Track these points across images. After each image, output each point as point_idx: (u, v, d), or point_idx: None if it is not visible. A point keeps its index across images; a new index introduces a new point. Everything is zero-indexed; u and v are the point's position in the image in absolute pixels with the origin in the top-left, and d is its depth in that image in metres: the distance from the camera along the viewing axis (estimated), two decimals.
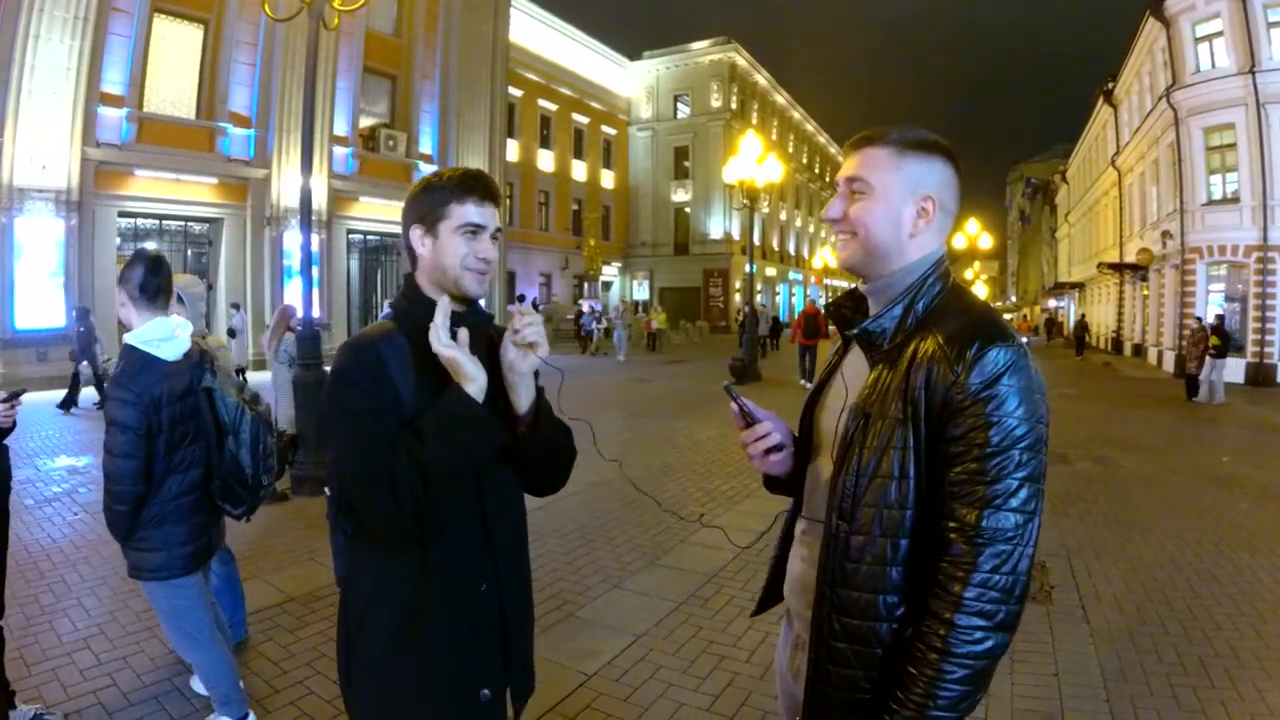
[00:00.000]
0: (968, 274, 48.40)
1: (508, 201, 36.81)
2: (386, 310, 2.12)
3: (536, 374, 1.99)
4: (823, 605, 1.63)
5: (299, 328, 8.39)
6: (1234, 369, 22.70)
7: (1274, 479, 9.55)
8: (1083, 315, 43.51)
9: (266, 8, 10.19)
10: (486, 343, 1.97)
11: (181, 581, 3.49)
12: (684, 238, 54.02)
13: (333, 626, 2.35)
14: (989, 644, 1.44)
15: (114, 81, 19.78)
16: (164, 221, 22.40)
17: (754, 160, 20.30)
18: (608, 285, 52.06)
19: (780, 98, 62.33)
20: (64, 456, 10.23)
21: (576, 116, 48.35)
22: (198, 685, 3.95)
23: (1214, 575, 6.07)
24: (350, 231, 26.93)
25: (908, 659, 1.49)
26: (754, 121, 54.07)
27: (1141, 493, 8.85)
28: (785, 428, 1.94)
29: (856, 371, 1.75)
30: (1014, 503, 1.45)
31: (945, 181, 1.70)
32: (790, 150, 62.82)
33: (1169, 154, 26.72)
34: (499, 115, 33.38)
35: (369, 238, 27.83)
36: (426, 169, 27.68)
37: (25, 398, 3.58)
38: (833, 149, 76.40)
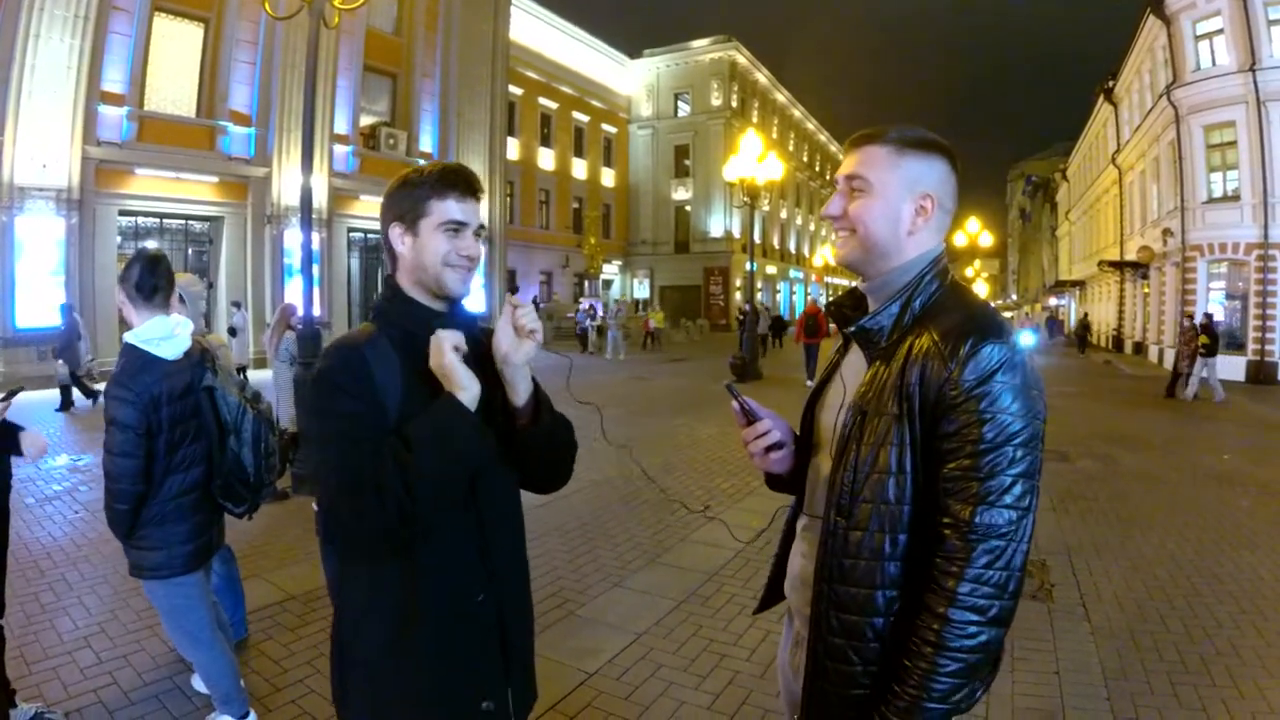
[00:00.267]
0: (968, 272, 48.40)
1: (508, 200, 36.73)
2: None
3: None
4: (821, 601, 1.64)
5: (300, 326, 8.39)
6: (1235, 367, 22.74)
7: (1275, 477, 9.54)
8: (1085, 314, 43.49)
9: (267, 6, 10.17)
10: (473, 344, 1.87)
11: (182, 580, 3.50)
12: (684, 236, 53.98)
13: None
14: (982, 638, 1.44)
15: (114, 80, 19.77)
16: (164, 220, 22.40)
17: (754, 158, 20.28)
18: (608, 284, 52.03)
19: (780, 96, 62.28)
20: (65, 455, 10.24)
21: (577, 115, 48.32)
22: (199, 684, 3.95)
23: (1215, 573, 6.07)
24: (351, 230, 26.92)
25: (903, 652, 1.50)
26: (754, 120, 54.00)
27: (1142, 490, 8.85)
28: (786, 426, 1.94)
29: (855, 369, 1.75)
30: (1008, 499, 1.46)
31: (944, 180, 1.71)
32: (790, 148, 62.78)
33: (1169, 152, 26.71)
34: (499, 114, 33.38)
35: (369, 236, 27.73)
36: None
37: (25, 396, 3.58)
38: (833, 147, 76.36)
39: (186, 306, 4.29)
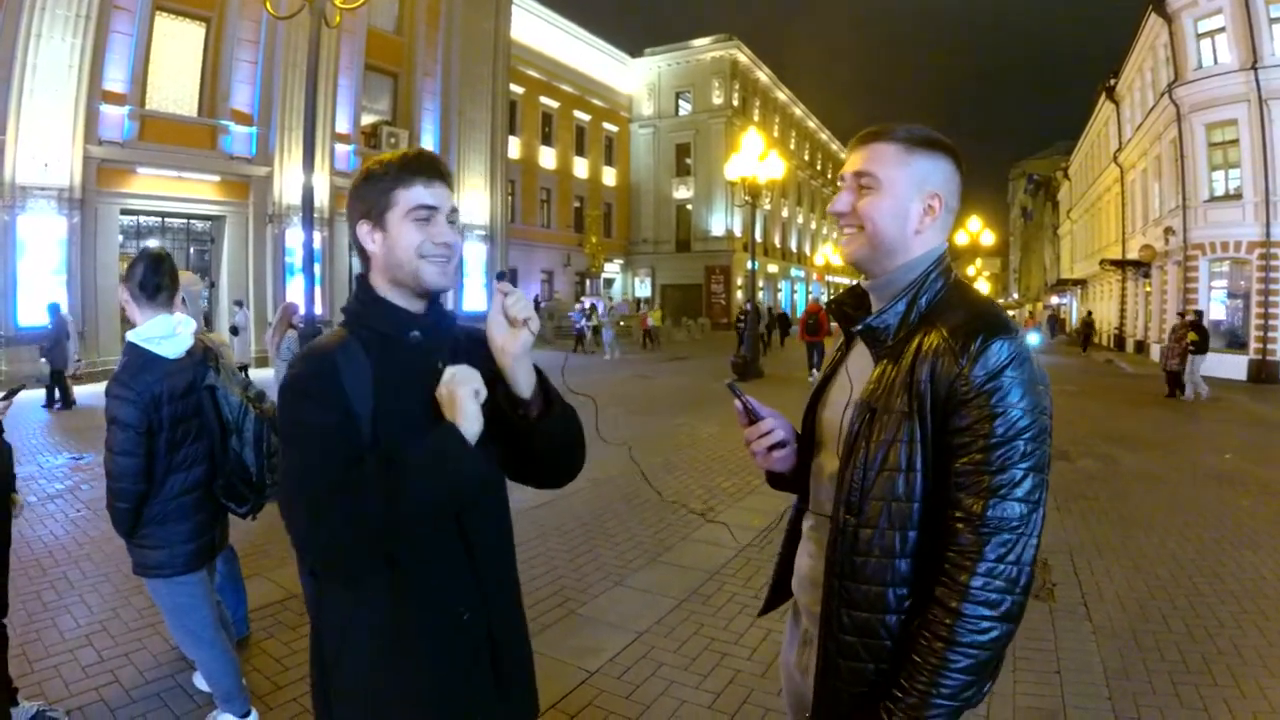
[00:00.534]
0: (969, 270, 48.36)
1: (510, 199, 36.73)
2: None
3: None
4: (831, 599, 1.64)
5: (301, 325, 8.40)
6: (1237, 366, 22.73)
7: (1276, 476, 9.53)
8: (1089, 312, 43.49)
9: (268, 5, 10.18)
10: (454, 344, 1.81)
11: (184, 579, 3.50)
12: (686, 235, 53.95)
13: None
14: (994, 633, 1.45)
15: (116, 79, 19.80)
16: (166, 219, 22.47)
17: (755, 157, 20.27)
18: (610, 282, 52.03)
19: (782, 94, 62.23)
20: (66, 453, 10.25)
21: (578, 114, 48.30)
22: (200, 682, 3.96)
23: (1216, 572, 6.07)
24: None
25: (913, 648, 1.50)
26: (755, 118, 53.97)
27: (1143, 490, 8.84)
28: (788, 424, 1.94)
29: (860, 367, 1.75)
30: (1019, 493, 1.47)
31: (950, 180, 1.72)
32: (792, 147, 62.71)
33: (1171, 150, 26.70)
34: (500, 113, 33.40)
35: None
36: None
37: (28, 395, 3.59)
38: (834, 145, 76.35)
39: (186, 305, 4.30)
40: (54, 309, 15.07)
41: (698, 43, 53.83)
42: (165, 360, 3.38)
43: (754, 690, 4.15)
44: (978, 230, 33.40)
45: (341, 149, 25.69)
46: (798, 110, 66.35)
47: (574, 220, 47.61)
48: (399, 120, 28.95)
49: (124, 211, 20.83)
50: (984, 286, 53.06)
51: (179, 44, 21.74)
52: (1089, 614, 5.26)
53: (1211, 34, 24.22)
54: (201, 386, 3.51)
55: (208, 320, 21.95)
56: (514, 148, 39.60)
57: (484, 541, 1.81)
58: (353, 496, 1.52)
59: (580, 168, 48.85)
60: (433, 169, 1.76)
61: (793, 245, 65.17)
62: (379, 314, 1.77)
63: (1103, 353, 35.71)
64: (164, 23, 21.18)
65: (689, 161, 53.78)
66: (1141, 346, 32.58)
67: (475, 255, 31.71)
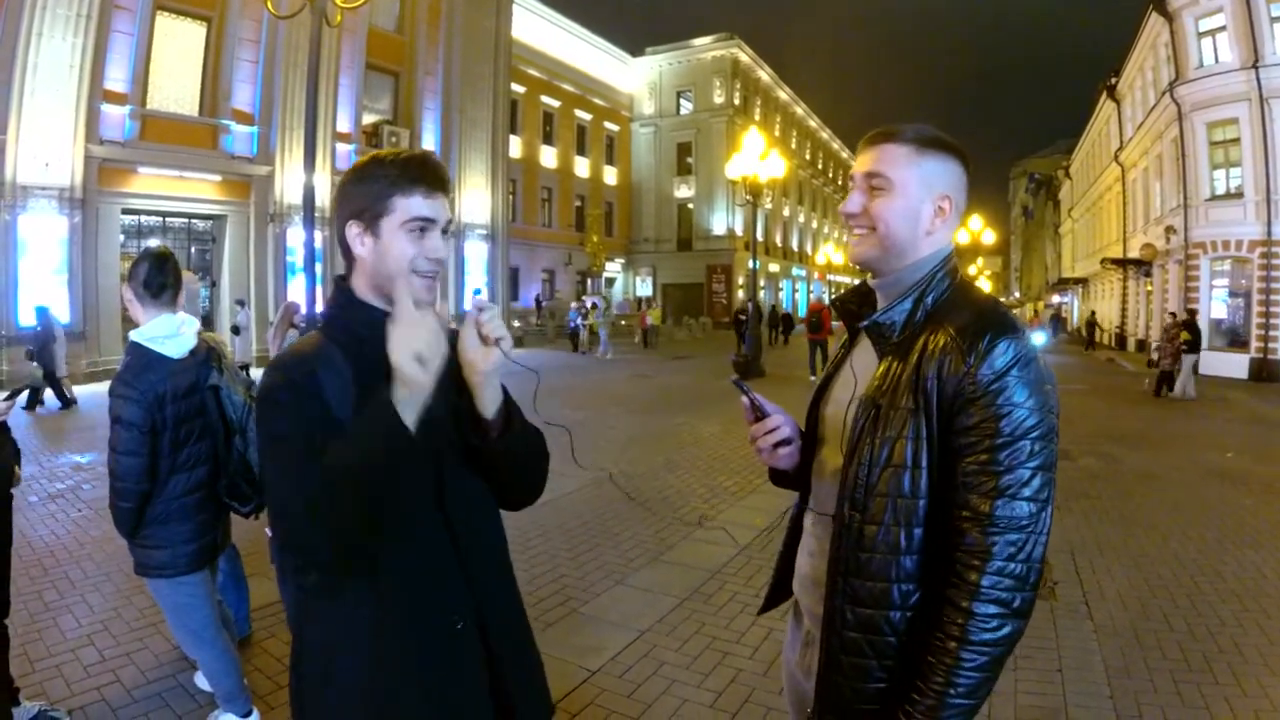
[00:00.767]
0: (971, 270, 48.36)
1: (511, 198, 36.72)
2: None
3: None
4: (835, 596, 1.64)
5: (303, 324, 8.38)
6: (1238, 364, 22.73)
7: (1278, 474, 9.53)
8: (1093, 311, 43.51)
9: (269, 4, 10.17)
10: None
11: (186, 579, 3.49)
12: (687, 234, 53.95)
13: None
14: (1006, 630, 1.45)
15: (117, 79, 19.81)
16: (167, 219, 22.48)
17: (757, 156, 20.30)
18: (611, 281, 52.05)
19: (783, 94, 62.19)
20: (68, 453, 10.26)
21: (579, 113, 48.29)
22: (202, 681, 3.96)
23: (1218, 571, 6.07)
24: None
25: (926, 649, 1.50)
26: (757, 118, 53.95)
27: (1145, 488, 8.84)
28: (793, 421, 1.94)
29: (865, 363, 1.76)
30: (1027, 491, 1.47)
31: (959, 181, 1.72)
32: (793, 146, 62.67)
33: (1172, 149, 26.69)
34: (501, 112, 33.35)
35: None
36: None
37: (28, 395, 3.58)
38: (835, 145, 76.35)
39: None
40: (42, 311, 15.04)
41: (699, 42, 53.81)
42: (169, 360, 3.38)
43: (755, 689, 4.15)
44: (979, 229, 33.41)
45: (343, 148, 25.67)
46: (799, 109, 66.31)
47: (575, 219, 47.60)
48: (400, 119, 28.95)
49: (125, 211, 20.84)
50: (985, 285, 53.00)
51: (180, 43, 21.74)
52: (1090, 612, 5.26)
53: (1212, 33, 24.20)
54: (205, 386, 3.50)
55: (208, 320, 22.00)
56: (515, 147, 39.60)
57: (474, 542, 1.73)
58: (326, 498, 1.44)
59: (581, 167, 48.84)
60: (436, 178, 1.68)
61: (794, 244, 65.13)
62: (360, 318, 1.68)
63: (1104, 351, 35.70)
64: (165, 22, 21.18)
65: (690, 161, 53.76)
66: (1143, 345, 32.52)
67: (476, 254, 31.70)
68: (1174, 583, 5.83)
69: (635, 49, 54.73)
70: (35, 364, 14.48)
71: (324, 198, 23.70)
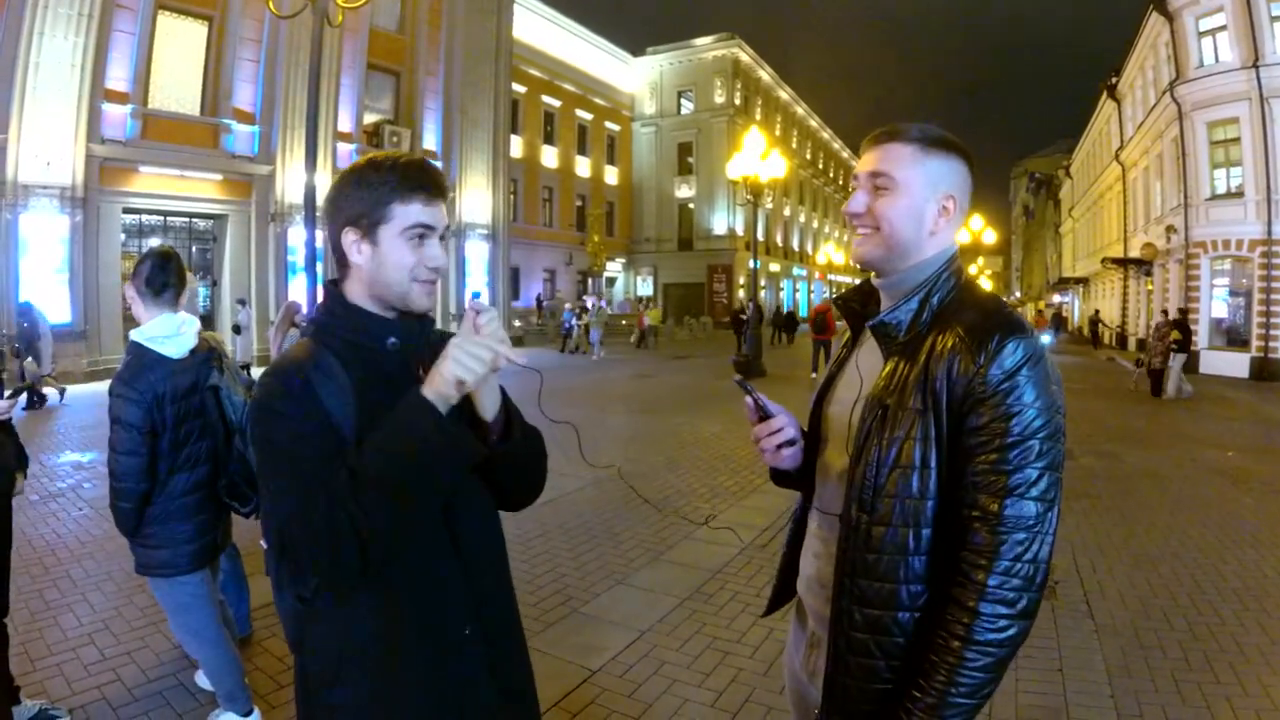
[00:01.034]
0: (972, 269, 48.35)
1: (512, 198, 36.72)
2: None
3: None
4: (842, 597, 1.63)
5: (304, 324, 8.40)
6: (1239, 364, 22.74)
7: (1278, 473, 9.53)
8: (1097, 311, 43.54)
9: (271, 4, 10.19)
10: (430, 352, 1.61)
11: (187, 578, 3.50)
12: (688, 234, 54.00)
13: None
14: (1011, 631, 1.45)
15: (119, 78, 19.83)
16: (168, 218, 22.51)
17: (757, 156, 20.27)
18: (612, 281, 52.14)
19: (784, 93, 62.21)
20: (69, 452, 10.27)
21: (580, 113, 48.33)
22: (203, 680, 3.96)
23: (1218, 570, 6.06)
24: None
25: (930, 648, 1.50)
26: (757, 117, 53.98)
27: (1145, 487, 8.84)
28: (795, 421, 1.93)
29: (870, 364, 1.75)
30: (1034, 491, 1.47)
31: (963, 181, 1.72)
32: (794, 146, 62.69)
33: (1173, 148, 26.68)
34: (502, 111, 33.34)
35: None
36: None
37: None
38: (836, 144, 76.37)
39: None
40: (26, 307, 14.95)
41: (700, 42, 53.84)
42: (169, 360, 3.38)
43: (756, 689, 4.15)
44: (980, 228, 33.43)
45: (344, 148, 25.69)
46: (800, 109, 66.33)
47: (576, 219, 47.65)
48: (401, 119, 28.96)
49: (126, 210, 20.86)
50: (986, 285, 52.94)
51: (181, 43, 21.76)
52: (1091, 611, 5.26)
53: (1213, 32, 24.21)
54: (205, 386, 3.51)
55: (209, 319, 22.01)
56: (516, 147, 39.63)
57: (476, 545, 1.73)
58: (332, 506, 1.43)
59: (582, 167, 48.90)
60: (435, 185, 1.65)
61: (794, 244, 65.14)
62: (355, 324, 1.66)
63: (1105, 350, 35.69)
64: (166, 21, 21.19)
65: (691, 160, 53.83)
66: (1143, 345, 32.51)
67: (478, 254, 31.71)
68: (1175, 581, 5.83)
69: (636, 49, 54.82)
70: (30, 359, 14.38)
71: (325, 197, 23.81)
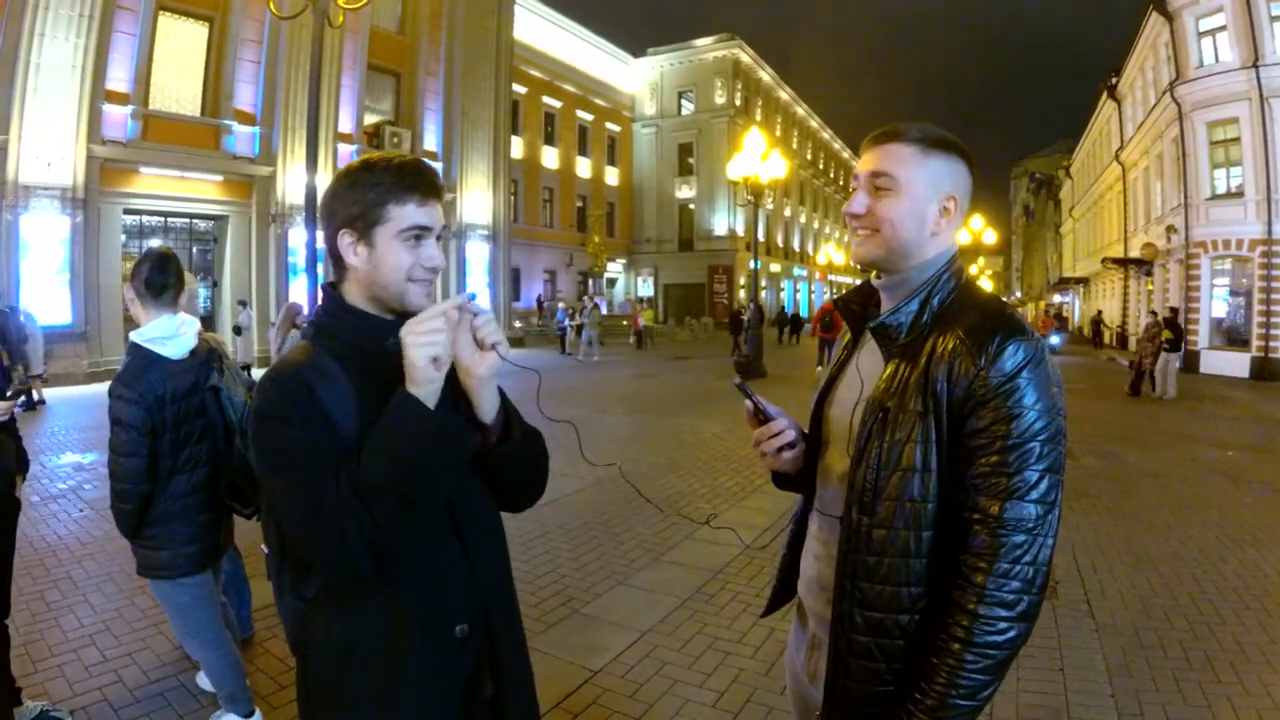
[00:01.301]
0: (972, 269, 48.29)
1: (512, 199, 36.71)
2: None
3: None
4: (843, 600, 1.63)
5: (305, 325, 8.40)
6: (1239, 363, 22.75)
7: (1278, 473, 9.54)
8: (1099, 311, 43.56)
9: (271, 5, 10.21)
10: None
11: (189, 580, 3.49)
12: (688, 234, 54.04)
13: None
14: (1011, 634, 1.44)
15: (119, 79, 19.81)
16: (169, 219, 22.49)
17: (758, 157, 20.28)
18: (612, 282, 52.13)
19: (784, 94, 62.22)
20: (69, 453, 10.28)
21: (580, 113, 48.36)
22: (204, 682, 3.96)
23: (1219, 570, 6.07)
24: None
25: (930, 649, 1.50)
26: (758, 118, 53.96)
27: (1146, 487, 8.85)
28: (796, 424, 1.93)
29: (870, 365, 1.75)
30: (1035, 494, 1.46)
31: (964, 181, 1.71)
32: (794, 147, 62.69)
33: (1173, 149, 26.71)
34: (503, 112, 33.36)
35: None
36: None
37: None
38: (836, 145, 76.34)
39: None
40: (12, 311, 14.84)
41: (700, 42, 53.88)
42: (168, 361, 3.37)
43: (757, 689, 4.15)
44: (980, 228, 33.42)
45: (345, 149, 25.67)
46: (800, 110, 66.33)
47: (577, 220, 47.66)
48: (402, 120, 28.97)
49: (127, 211, 20.85)
50: (986, 285, 53.01)
51: (182, 44, 21.76)
52: (1091, 611, 5.26)
53: (1213, 32, 24.24)
54: (205, 387, 3.49)
55: (209, 320, 22.00)
56: (517, 147, 39.64)
57: (481, 546, 1.73)
58: (338, 506, 1.44)
59: (583, 167, 48.93)
60: (430, 186, 1.65)
61: (795, 244, 65.14)
62: (354, 326, 1.67)
63: (1106, 351, 35.68)
64: (167, 22, 21.18)
65: (691, 161, 53.89)
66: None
67: (478, 255, 31.72)
68: (1175, 581, 5.83)
69: (637, 49, 54.88)
70: (21, 364, 14.25)
71: (321, 200, 23.79)
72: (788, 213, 62.92)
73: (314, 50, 8.88)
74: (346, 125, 26.04)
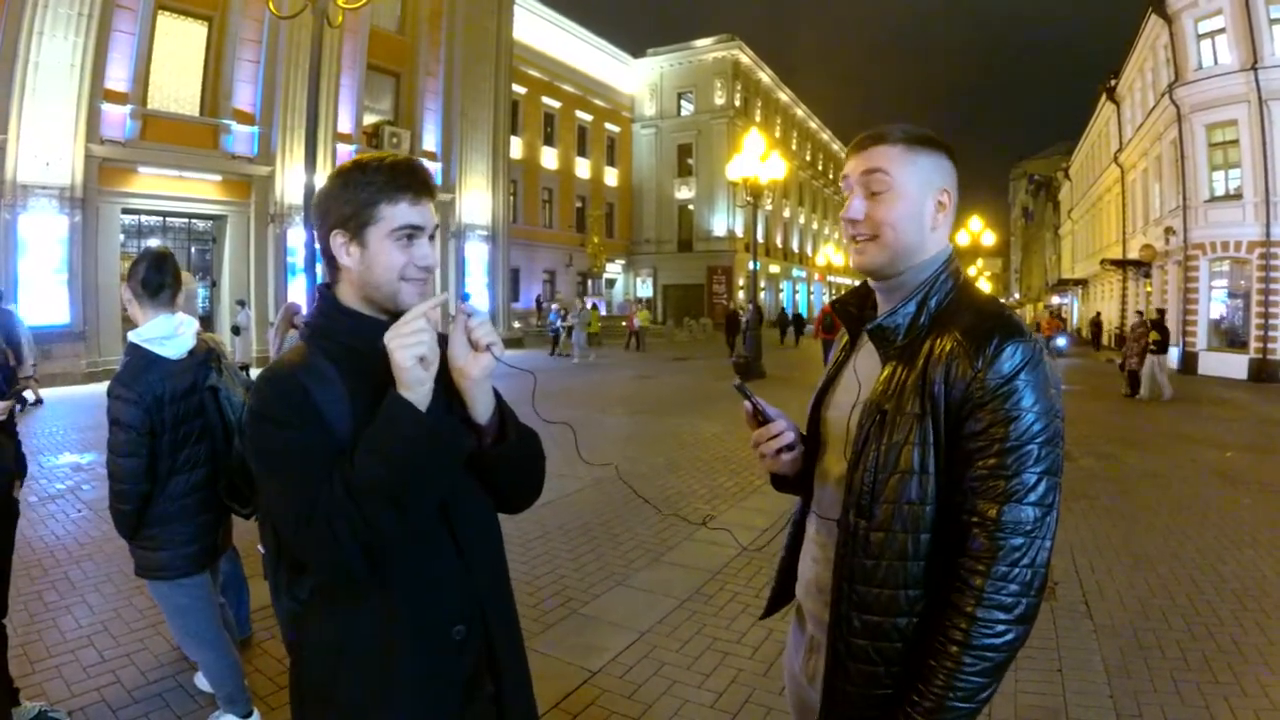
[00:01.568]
0: (971, 271, 48.35)
1: (511, 199, 36.69)
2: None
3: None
4: (841, 603, 1.63)
5: (304, 325, 8.39)
6: (1237, 365, 22.78)
7: (1276, 474, 9.54)
8: (1098, 313, 43.59)
9: (271, 4, 10.20)
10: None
11: (187, 581, 3.49)
12: (687, 235, 54.03)
13: None
14: (1009, 636, 1.44)
15: (118, 78, 19.78)
16: (168, 218, 22.46)
17: (757, 157, 20.30)
18: (611, 282, 52.16)
19: (783, 95, 62.25)
20: (68, 453, 10.26)
21: (580, 114, 48.34)
22: (202, 682, 3.95)
23: (1217, 570, 6.07)
24: None
25: (928, 652, 1.49)
26: (757, 119, 53.95)
27: (1144, 488, 8.85)
28: (794, 426, 1.92)
29: (868, 368, 1.74)
30: (1032, 496, 1.46)
31: (952, 175, 1.72)
32: (793, 147, 62.70)
33: (1172, 150, 26.71)
34: (503, 112, 33.38)
35: None
36: (430, 167, 27.70)
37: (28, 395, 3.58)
38: (835, 146, 76.31)
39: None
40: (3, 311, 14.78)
41: (700, 43, 53.89)
42: (167, 361, 3.37)
43: (756, 690, 4.15)
44: (979, 230, 33.44)
45: (344, 149, 25.60)
46: (799, 111, 66.36)
47: (576, 220, 47.66)
48: (401, 120, 28.97)
49: (125, 211, 20.82)
50: (985, 287, 53.03)
51: (181, 43, 21.73)
52: (1090, 612, 5.26)
53: (1212, 35, 24.24)
54: (204, 387, 3.49)
55: (208, 320, 21.99)
56: (516, 148, 39.63)
57: (477, 547, 1.73)
58: (331, 507, 1.44)
59: (582, 168, 48.92)
60: (422, 185, 1.66)
61: (794, 245, 65.15)
62: (348, 327, 1.66)
63: (1105, 352, 35.70)
64: (166, 22, 21.16)
65: (691, 162, 53.88)
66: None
67: (477, 255, 31.72)
68: (1173, 581, 5.83)
69: (636, 50, 54.91)
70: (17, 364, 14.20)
71: (313, 201, 23.74)
72: (787, 214, 62.91)
73: (313, 50, 8.89)
74: (346, 125, 26.02)
